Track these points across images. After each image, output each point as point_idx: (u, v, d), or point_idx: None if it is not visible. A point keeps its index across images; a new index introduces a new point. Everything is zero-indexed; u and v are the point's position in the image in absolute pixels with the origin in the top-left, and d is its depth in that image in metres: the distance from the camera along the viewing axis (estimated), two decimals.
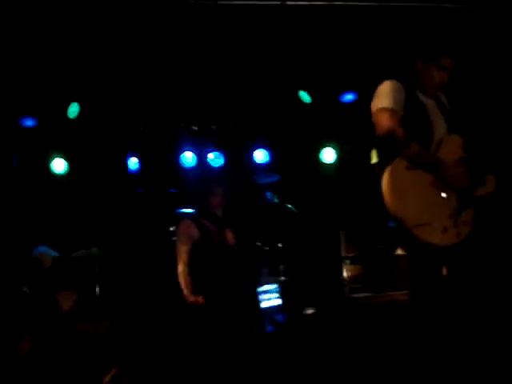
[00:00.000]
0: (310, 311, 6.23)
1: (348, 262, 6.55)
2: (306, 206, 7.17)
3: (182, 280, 5.12)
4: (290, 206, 6.86)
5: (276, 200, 6.83)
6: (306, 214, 7.12)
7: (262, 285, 6.24)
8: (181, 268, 5.14)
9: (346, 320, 5.69)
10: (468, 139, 3.99)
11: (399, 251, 6.26)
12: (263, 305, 6.11)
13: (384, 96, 3.88)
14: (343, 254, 6.58)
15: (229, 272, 5.13)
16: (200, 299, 4.99)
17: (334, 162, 7.39)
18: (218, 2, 5.81)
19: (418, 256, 3.84)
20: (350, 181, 7.16)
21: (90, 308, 6.06)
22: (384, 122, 3.81)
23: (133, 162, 7.10)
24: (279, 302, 6.36)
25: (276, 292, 6.42)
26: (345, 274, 6.53)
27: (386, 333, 4.73)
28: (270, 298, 6.38)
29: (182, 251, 5.17)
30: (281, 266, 6.65)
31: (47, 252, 6.01)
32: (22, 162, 6.98)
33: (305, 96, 7.08)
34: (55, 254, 6.20)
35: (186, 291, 5.06)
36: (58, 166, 7.01)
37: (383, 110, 3.84)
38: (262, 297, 6.12)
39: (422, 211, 3.76)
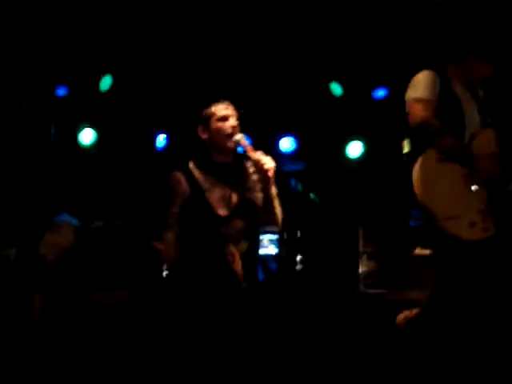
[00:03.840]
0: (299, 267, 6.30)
1: (365, 256, 6.56)
2: (328, 198, 7.17)
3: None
4: (312, 195, 6.87)
5: (299, 188, 6.84)
6: (328, 205, 7.13)
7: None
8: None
9: (355, 313, 5.67)
10: (502, 134, 3.99)
11: (417, 251, 6.25)
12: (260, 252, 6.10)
13: (420, 86, 3.90)
14: (361, 248, 6.60)
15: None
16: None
17: (360, 157, 7.40)
18: None
19: (443, 251, 3.83)
20: (374, 177, 7.16)
21: (108, 277, 6.10)
22: (419, 112, 3.83)
23: (160, 139, 7.15)
24: (276, 250, 6.42)
25: (275, 241, 6.47)
26: (360, 268, 6.54)
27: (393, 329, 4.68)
28: (267, 246, 6.44)
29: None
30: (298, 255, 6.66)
31: (68, 220, 6.01)
32: (56, 131, 7.05)
33: (337, 88, 7.10)
34: (76, 222, 6.24)
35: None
36: (87, 136, 7.07)
37: (418, 100, 3.86)
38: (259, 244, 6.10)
39: (451, 204, 3.76)
